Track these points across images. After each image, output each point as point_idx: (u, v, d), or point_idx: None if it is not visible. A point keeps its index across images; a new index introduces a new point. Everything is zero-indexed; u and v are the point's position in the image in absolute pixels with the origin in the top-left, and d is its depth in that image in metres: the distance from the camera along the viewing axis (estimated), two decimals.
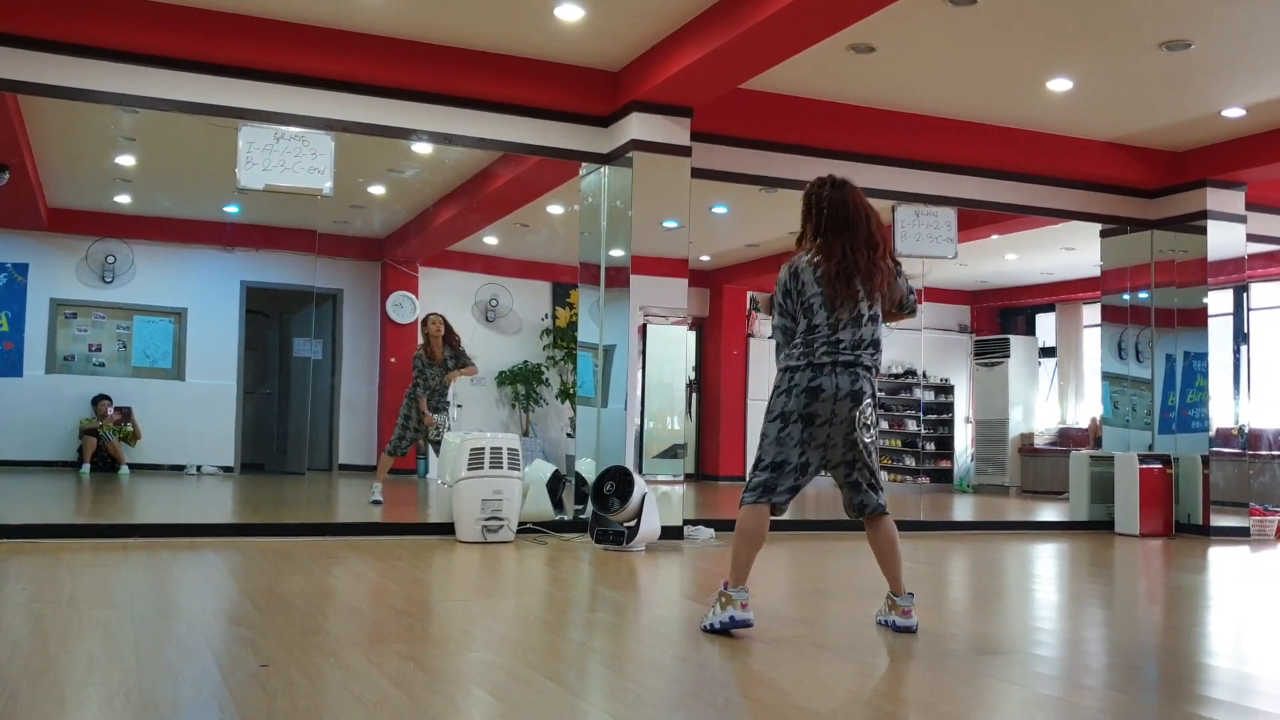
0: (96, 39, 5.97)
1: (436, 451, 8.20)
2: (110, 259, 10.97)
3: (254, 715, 2.50)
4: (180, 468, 10.96)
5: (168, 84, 6.15)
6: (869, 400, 3.68)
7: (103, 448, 10.62)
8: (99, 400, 10.77)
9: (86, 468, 10.45)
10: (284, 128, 6.38)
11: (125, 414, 10.90)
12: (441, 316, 8.32)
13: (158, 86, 6.14)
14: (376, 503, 7.87)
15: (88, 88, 6.04)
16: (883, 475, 3.83)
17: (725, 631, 3.57)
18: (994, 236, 10.02)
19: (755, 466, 3.73)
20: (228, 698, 2.66)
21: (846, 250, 3.70)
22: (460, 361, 8.25)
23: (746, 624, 3.56)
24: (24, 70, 5.92)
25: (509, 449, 6.30)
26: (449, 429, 7.92)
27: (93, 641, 3.32)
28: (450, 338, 8.22)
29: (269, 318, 12.47)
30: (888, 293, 3.78)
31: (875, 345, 3.74)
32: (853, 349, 3.66)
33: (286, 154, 6.37)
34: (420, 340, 8.36)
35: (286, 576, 4.74)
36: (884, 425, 13.43)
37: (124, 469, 10.62)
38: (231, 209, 10.35)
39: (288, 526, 6.32)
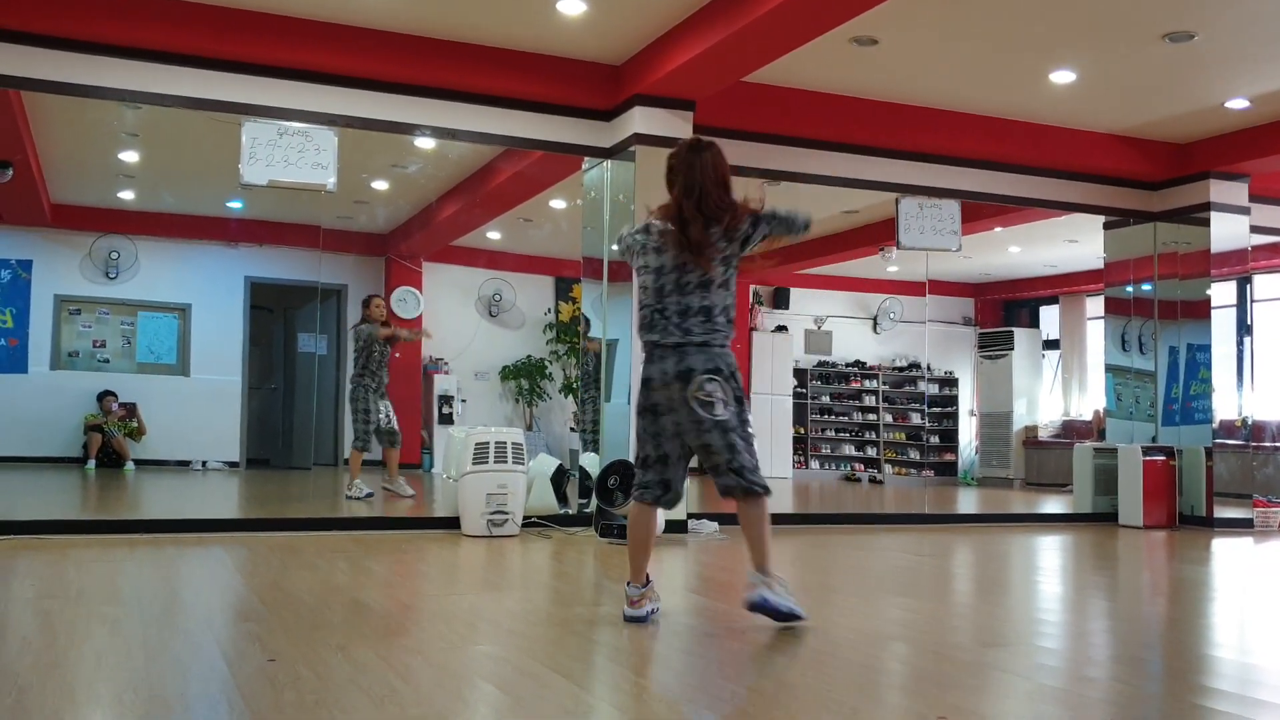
0: (99, 35, 5.97)
1: (382, 441, 8.06)
2: (114, 255, 10.98)
3: (262, 710, 2.51)
4: (186, 463, 10.99)
5: (171, 80, 6.15)
6: (703, 377, 3.51)
7: (108, 444, 10.65)
8: (104, 396, 10.80)
9: (92, 464, 10.48)
10: (287, 123, 6.39)
11: (130, 410, 10.93)
12: (385, 301, 8.27)
13: (161, 82, 6.14)
14: (369, 496, 7.85)
15: (91, 84, 6.04)
16: (752, 457, 3.60)
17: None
18: (997, 229, 10.01)
19: None
20: (236, 693, 2.68)
21: (683, 215, 3.56)
22: (393, 342, 8.18)
23: (633, 619, 3.61)
24: (27, 66, 5.92)
25: (513, 443, 6.32)
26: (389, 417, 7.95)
27: (101, 637, 3.34)
28: (389, 324, 8.18)
29: (273, 313, 12.48)
30: (753, 236, 3.60)
31: (705, 313, 3.55)
32: (679, 323, 3.53)
33: (290, 149, 6.37)
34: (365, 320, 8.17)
35: (293, 571, 4.75)
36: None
37: (129, 465, 10.65)
38: (235, 204, 10.36)
39: (294, 521, 6.34)
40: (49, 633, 3.38)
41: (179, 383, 11.21)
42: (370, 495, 7.87)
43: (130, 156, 8.96)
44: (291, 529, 6.21)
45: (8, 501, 7.42)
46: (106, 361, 11.14)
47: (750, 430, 3.64)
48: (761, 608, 3.55)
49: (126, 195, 10.48)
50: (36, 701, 2.55)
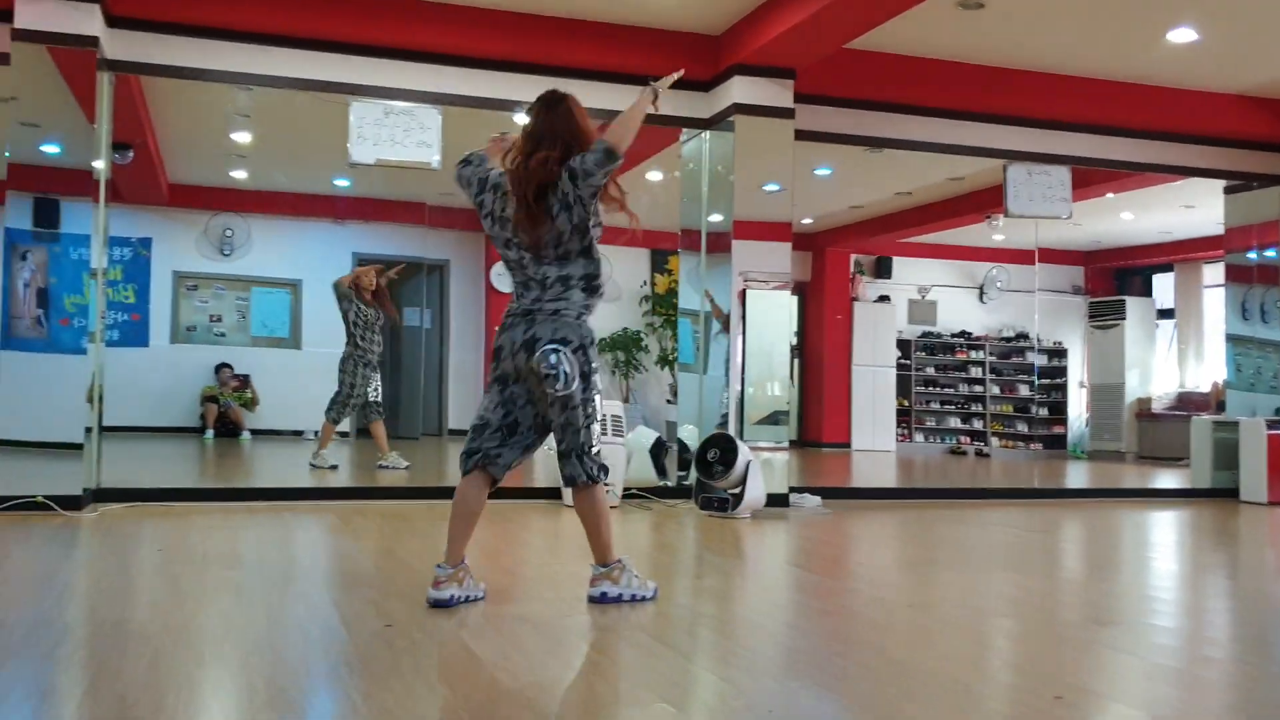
0: (212, 20, 6.16)
1: (371, 415, 8.06)
2: (228, 232, 11.35)
3: (381, 675, 2.60)
4: (298, 433, 11.35)
5: (281, 62, 6.31)
6: (549, 347, 3.33)
7: (224, 414, 11.08)
8: (220, 368, 11.23)
9: (210, 433, 10.92)
10: (393, 103, 6.51)
11: (244, 381, 11.33)
12: (375, 270, 8.25)
13: (271, 64, 6.30)
14: (333, 467, 7.95)
15: (205, 67, 6.24)
16: (587, 438, 3.41)
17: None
18: (1109, 195, 9.66)
19: None
20: (355, 656, 2.78)
21: (521, 176, 3.46)
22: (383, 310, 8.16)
23: (435, 603, 3.30)
24: (145, 52, 6.14)
25: (612, 416, 6.37)
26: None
27: (226, 601, 3.49)
28: (380, 294, 8.18)
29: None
30: (579, 193, 3.46)
31: (562, 282, 3.39)
32: (538, 293, 3.40)
33: (396, 128, 6.49)
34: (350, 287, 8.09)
35: (404, 539, 4.89)
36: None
37: (245, 434, 11.06)
38: (343, 182, 10.61)
39: (403, 490, 6.52)
40: (177, 596, 3.55)
41: (291, 355, 11.56)
42: (335, 467, 7.98)
43: (243, 137, 9.24)
44: (400, 497, 6.38)
45: (133, 469, 7.77)
46: (223, 335, 11.55)
47: (591, 409, 3.42)
48: (601, 602, 3.45)
49: (239, 175, 10.82)
50: (169, 664, 2.68)
